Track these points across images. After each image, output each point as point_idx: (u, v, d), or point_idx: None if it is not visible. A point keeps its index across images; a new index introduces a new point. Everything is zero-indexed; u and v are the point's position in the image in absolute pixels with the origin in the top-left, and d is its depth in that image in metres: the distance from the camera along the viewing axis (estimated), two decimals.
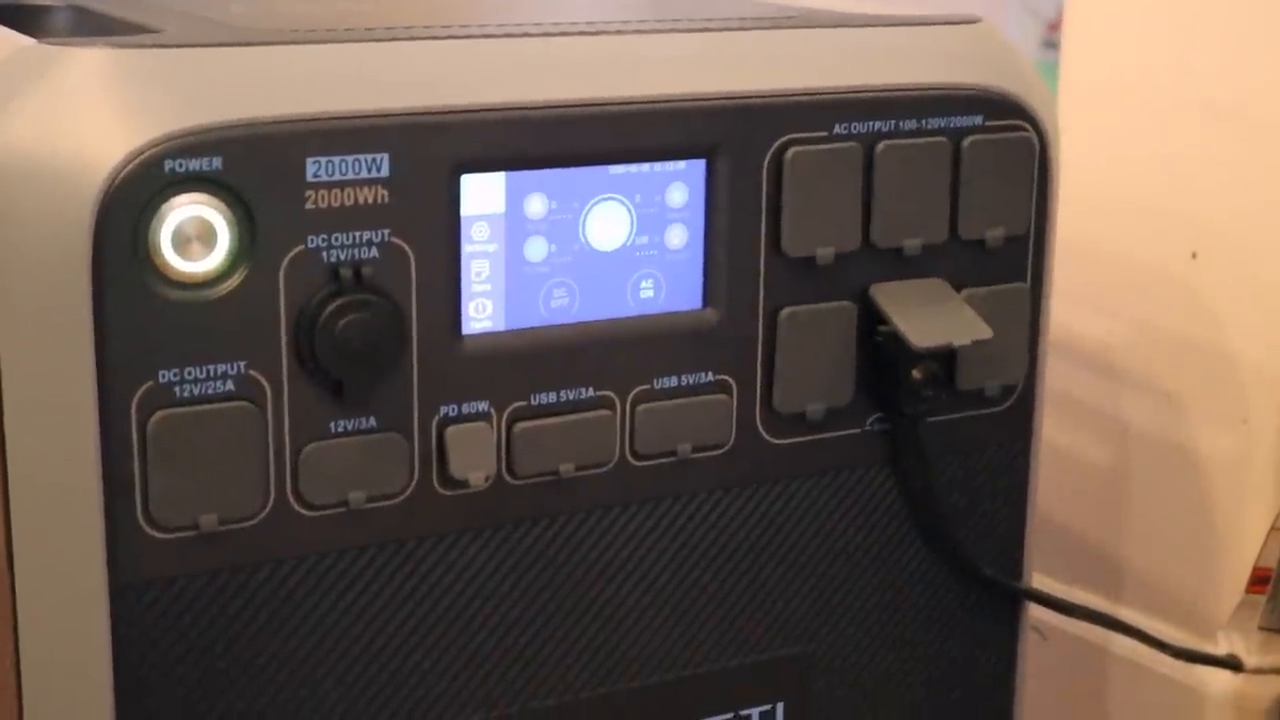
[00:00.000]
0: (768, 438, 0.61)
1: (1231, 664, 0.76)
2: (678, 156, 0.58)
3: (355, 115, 0.52)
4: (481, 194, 0.55)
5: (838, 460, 0.62)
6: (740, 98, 0.57)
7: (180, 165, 0.49)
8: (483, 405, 0.55)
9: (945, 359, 0.62)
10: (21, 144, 0.49)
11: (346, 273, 0.52)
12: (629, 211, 0.58)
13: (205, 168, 0.50)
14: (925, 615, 0.66)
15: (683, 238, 0.59)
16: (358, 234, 0.52)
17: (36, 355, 0.50)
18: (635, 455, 0.58)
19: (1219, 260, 0.78)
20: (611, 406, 0.58)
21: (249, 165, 0.50)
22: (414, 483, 0.55)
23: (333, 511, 0.54)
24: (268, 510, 0.53)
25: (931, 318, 0.61)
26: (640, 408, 0.58)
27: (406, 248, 0.53)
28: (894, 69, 0.61)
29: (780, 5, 0.70)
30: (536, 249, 0.56)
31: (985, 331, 0.61)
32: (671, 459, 0.59)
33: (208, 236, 0.50)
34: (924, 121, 0.60)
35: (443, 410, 0.55)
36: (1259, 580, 0.77)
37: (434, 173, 0.53)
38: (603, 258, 0.58)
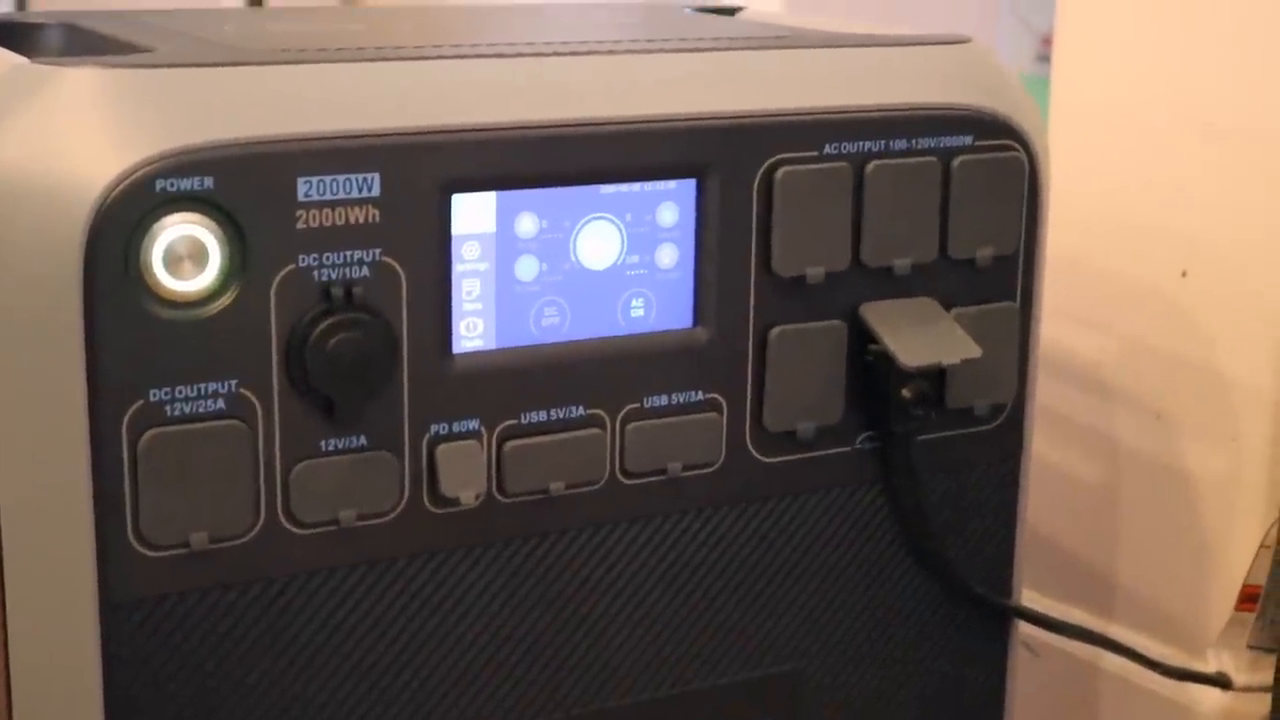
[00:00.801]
0: (758, 456, 0.61)
1: (1220, 682, 0.76)
2: (668, 176, 0.58)
3: (346, 135, 0.52)
4: (472, 213, 0.55)
5: (828, 478, 0.62)
6: (731, 118, 0.58)
7: (172, 185, 0.50)
8: (473, 423, 0.56)
9: (935, 378, 0.62)
10: (12, 163, 0.49)
11: (338, 292, 0.52)
12: (619, 231, 0.58)
13: (196, 187, 0.50)
14: (915, 632, 0.66)
15: (673, 257, 0.59)
16: (349, 253, 0.52)
17: (27, 374, 0.50)
18: (625, 473, 0.58)
19: (1209, 278, 0.78)
20: (602, 425, 0.58)
21: (240, 185, 0.51)
22: (404, 501, 0.55)
23: (323, 530, 0.54)
24: (258, 528, 0.53)
25: (921, 337, 0.61)
26: (630, 426, 0.58)
27: (397, 267, 0.53)
28: (884, 89, 0.61)
29: (770, 25, 0.70)
30: (527, 268, 0.57)
31: (974, 350, 0.61)
32: (661, 477, 0.59)
33: (199, 256, 0.50)
34: (914, 141, 0.61)
35: (433, 428, 0.55)
36: (1248, 598, 0.77)
37: (425, 192, 0.53)
38: (593, 277, 0.58)
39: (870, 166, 0.60)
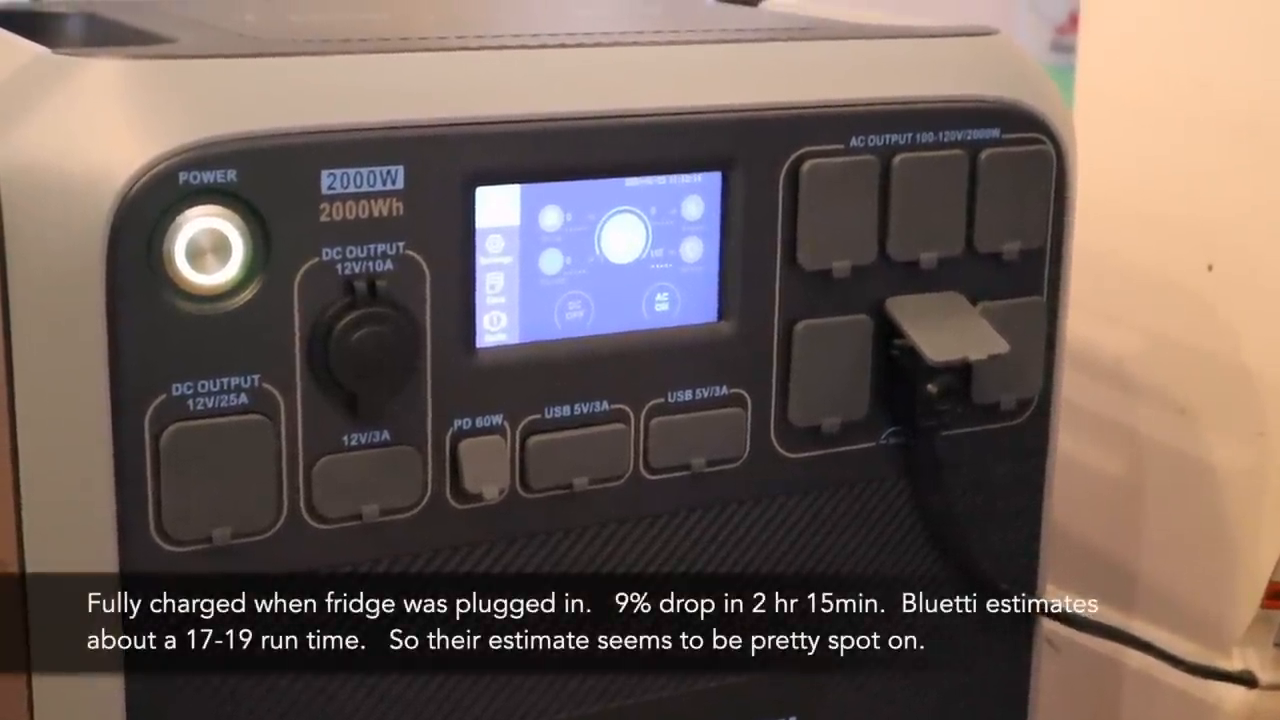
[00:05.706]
0: (782, 451, 0.60)
1: (1246, 680, 0.75)
2: (693, 169, 0.57)
3: (370, 127, 0.52)
4: (496, 206, 0.55)
5: (852, 474, 0.62)
6: (756, 110, 0.57)
7: (195, 177, 0.49)
8: (497, 418, 0.55)
9: (961, 373, 0.62)
10: (35, 155, 0.49)
11: (361, 285, 0.52)
12: (644, 224, 0.57)
13: (220, 180, 0.50)
14: (939, 628, 0.65)
15: (698, 250, 0.58)
16: (372, 246, 0.52)
17: (50, 368, 0.50)
18: (649, 469, 0.58)
19: (1235, 272, 0.78)
20: (625, 420, 0.57)
21: (264, 177, 0.50)
22: (427, 496, 0.55)
23: (346, 525, 0.54)
24: (281, 523, 0.53)
25: (947, 332, 0.60)
26: (654, 421, 0.58)
27: (421, 260, 0.53)
28: (911, 81, 0.60)
29: (795, 16, 0.70)
30: (551, 261, 0.56)
31: (1001, 346, 0.61)
32: (685, 473, 0.59)
33: (222, 249, 0.50)
34: (941, 134, 0.60)
35: (456, 423, 0.55)
36: (1274, 595, 0.77)
37: (449, 185, 0.53)
38: (618, 270, 0.57)
39: (897, 159, 0.59)
